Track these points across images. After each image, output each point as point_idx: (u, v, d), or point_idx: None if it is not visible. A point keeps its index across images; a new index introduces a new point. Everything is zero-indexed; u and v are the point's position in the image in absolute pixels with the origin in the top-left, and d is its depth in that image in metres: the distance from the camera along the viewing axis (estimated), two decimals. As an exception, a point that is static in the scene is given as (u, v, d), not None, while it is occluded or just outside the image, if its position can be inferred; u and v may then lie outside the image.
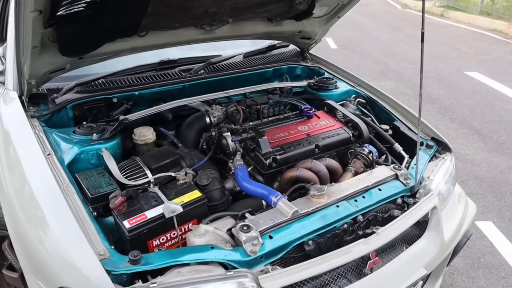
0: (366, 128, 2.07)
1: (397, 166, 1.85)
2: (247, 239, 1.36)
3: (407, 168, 1.89)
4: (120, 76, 2.18)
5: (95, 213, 1.45)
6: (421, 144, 2.05)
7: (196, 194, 1.52)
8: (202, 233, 1.40)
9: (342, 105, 2.36)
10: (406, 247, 1.69)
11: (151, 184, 1.57)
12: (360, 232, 1.59)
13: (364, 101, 2.42)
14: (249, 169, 1.82)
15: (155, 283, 1.20)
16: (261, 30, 2.35)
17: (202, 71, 2.35)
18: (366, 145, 1.99)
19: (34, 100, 1.98)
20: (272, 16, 2.28)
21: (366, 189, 1.70)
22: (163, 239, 1.45)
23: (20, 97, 1.93)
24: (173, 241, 1.47)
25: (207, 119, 2.10)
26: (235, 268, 1.32)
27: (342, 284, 1.47)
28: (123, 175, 1.65)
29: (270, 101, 2.32)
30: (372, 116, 2.36)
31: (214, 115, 2.12)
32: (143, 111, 1.96)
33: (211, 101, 2.22)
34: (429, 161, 1.99)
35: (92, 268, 1.21)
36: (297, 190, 1.71)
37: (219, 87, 2.27)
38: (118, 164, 1.71)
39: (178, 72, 2.32)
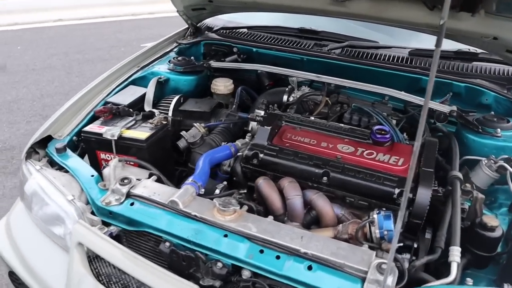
0: (426, 199, 1.24)
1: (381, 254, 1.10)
2: (116, 190, 1.31)
3: None
4: (259, 31, 2.22)
5: None
6: None
7: (142, 135, 1.52)
8: (110, 166, 1.44)
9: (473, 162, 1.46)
10: None
11: (141, 115, 1.68)
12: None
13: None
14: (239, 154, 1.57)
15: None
16: (419, 20, 1.67)
17: (337, 51, 2.00)
18: (382, 210, 1.23)
19: (197, 33, 2.39)
20: (428, 1, 1.59)
21: (292, 253, 1.11)
22: (108, 157, 1.59)
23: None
24: (113, 164, 1.59)
25: (285, 97, 1.88)
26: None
27: None
28: (159, 103, 1.85)
29: (353, 105, 1.73)
30: None
31: (294, 95, 1.85)
32: (228, 63, 1.99)
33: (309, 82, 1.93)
34: None
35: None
36: (230, 194, 1.36)
37: (343, 74, 1.89)
38: (170, 96, 1.91)
39: (314, 44, 2.09)
